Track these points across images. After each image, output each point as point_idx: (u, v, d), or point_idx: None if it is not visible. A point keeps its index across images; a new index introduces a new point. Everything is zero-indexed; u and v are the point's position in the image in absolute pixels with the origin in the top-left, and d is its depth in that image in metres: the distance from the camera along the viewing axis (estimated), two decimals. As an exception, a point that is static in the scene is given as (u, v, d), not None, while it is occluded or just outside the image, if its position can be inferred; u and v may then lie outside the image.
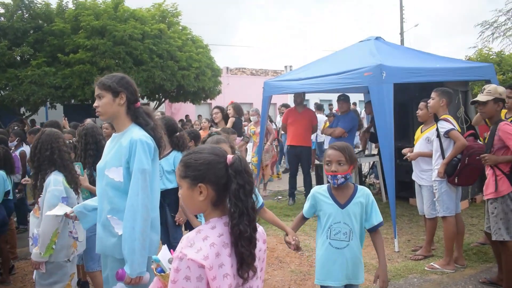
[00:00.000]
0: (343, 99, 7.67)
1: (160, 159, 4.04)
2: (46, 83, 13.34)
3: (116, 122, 2.74)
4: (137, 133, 2.62)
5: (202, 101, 18.64)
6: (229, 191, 1.59)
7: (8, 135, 7.34)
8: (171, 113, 22.39)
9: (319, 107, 14.26)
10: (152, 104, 18.36)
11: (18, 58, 14.26)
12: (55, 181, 3.09)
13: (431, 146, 4.89)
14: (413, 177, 5.22)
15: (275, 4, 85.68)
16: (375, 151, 9.44)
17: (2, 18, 13.89)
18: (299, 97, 8.10)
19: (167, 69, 14.75)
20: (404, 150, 5.32)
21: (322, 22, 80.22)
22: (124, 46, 13.85)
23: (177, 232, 4.42)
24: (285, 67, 27.08)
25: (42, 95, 13.59)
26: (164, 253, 1.76)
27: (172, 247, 1.88)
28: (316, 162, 8.95)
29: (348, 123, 7.51)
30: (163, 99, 17.84)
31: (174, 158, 4.29)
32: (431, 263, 4.85)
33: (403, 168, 6.80)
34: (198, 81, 15.97)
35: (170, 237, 4.36)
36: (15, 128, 8.81)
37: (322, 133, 9.82)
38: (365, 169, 9.64)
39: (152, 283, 1.81)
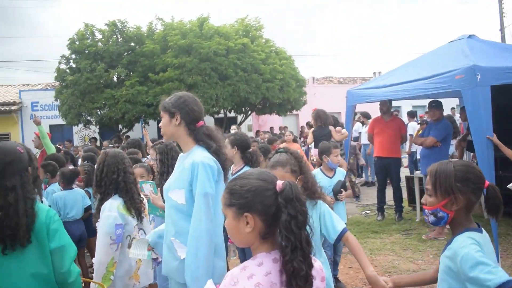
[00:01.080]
0: (435, 106, 7.06)
1: (233, 174, 3.98)
2: (139, 101, 14.21)
3: (180, 142, 2.72)
4: (199, 155, 2.53)
5: (288, 113, 18.60)
6: (279, 222, 1.39)
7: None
8: (258, 125, 22.62)
9: (412, 114, 13.49)
10: (239, 117, 18.69)
11: (115, 79, 15.35)
12: (110, 207, 2.95)
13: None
14: (518, 192, 4.56)
15: (363, 8, 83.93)
16: (474, 162, 8.58)
17: (100, 44, 15.07)
18: (385, 105, 7.63)
19: (252, 82, 14.93)
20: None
21: (413, 24, 76.86)
22: (210, 62, 14.26)
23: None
24: (374, 73, 26.20)
25: (136, 113, 14.52)
26: (208, 289, 1.60)
27: None
28: (407, 174, 8.34)
29: (440, 132, 6.88)
30: (249, 112, 18.08)
31: None
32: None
33: (507, 180, 6.05)
34: (283, 92, 15.96)
35: (247, 256, 4.25)
36: (109, 146, 9.39)
37: (412, 142, 9.19)
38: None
39: None
